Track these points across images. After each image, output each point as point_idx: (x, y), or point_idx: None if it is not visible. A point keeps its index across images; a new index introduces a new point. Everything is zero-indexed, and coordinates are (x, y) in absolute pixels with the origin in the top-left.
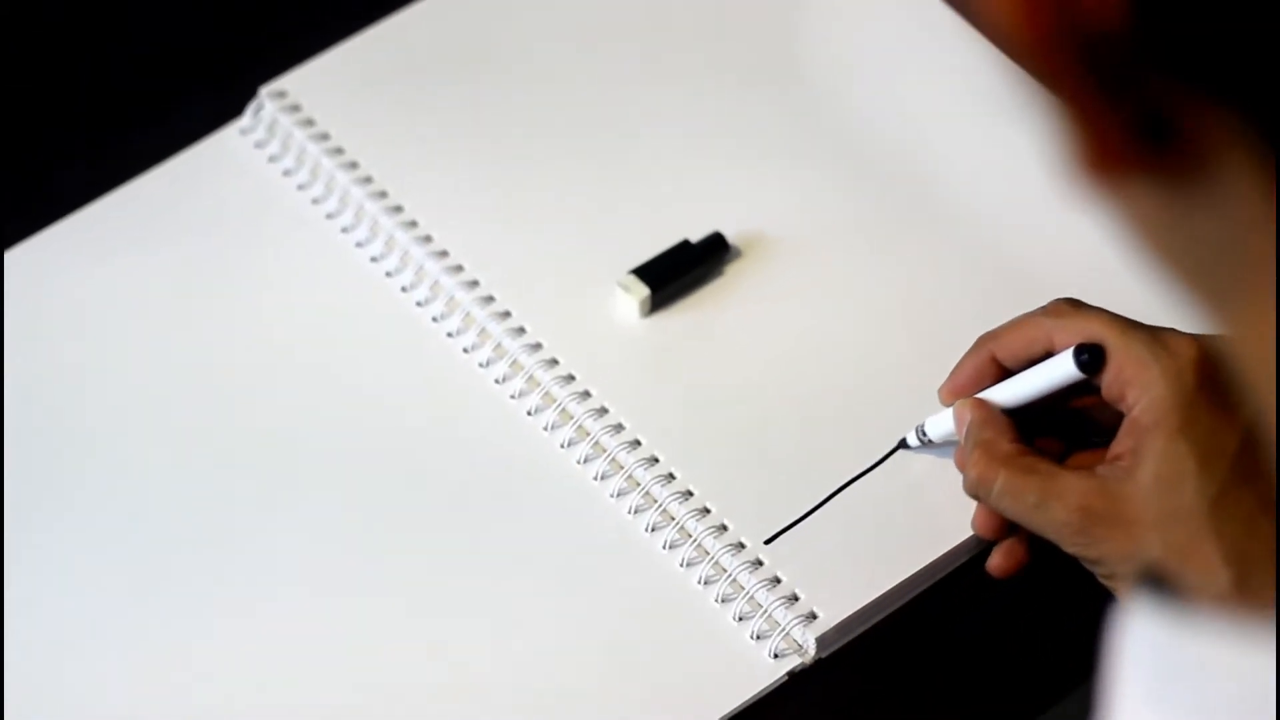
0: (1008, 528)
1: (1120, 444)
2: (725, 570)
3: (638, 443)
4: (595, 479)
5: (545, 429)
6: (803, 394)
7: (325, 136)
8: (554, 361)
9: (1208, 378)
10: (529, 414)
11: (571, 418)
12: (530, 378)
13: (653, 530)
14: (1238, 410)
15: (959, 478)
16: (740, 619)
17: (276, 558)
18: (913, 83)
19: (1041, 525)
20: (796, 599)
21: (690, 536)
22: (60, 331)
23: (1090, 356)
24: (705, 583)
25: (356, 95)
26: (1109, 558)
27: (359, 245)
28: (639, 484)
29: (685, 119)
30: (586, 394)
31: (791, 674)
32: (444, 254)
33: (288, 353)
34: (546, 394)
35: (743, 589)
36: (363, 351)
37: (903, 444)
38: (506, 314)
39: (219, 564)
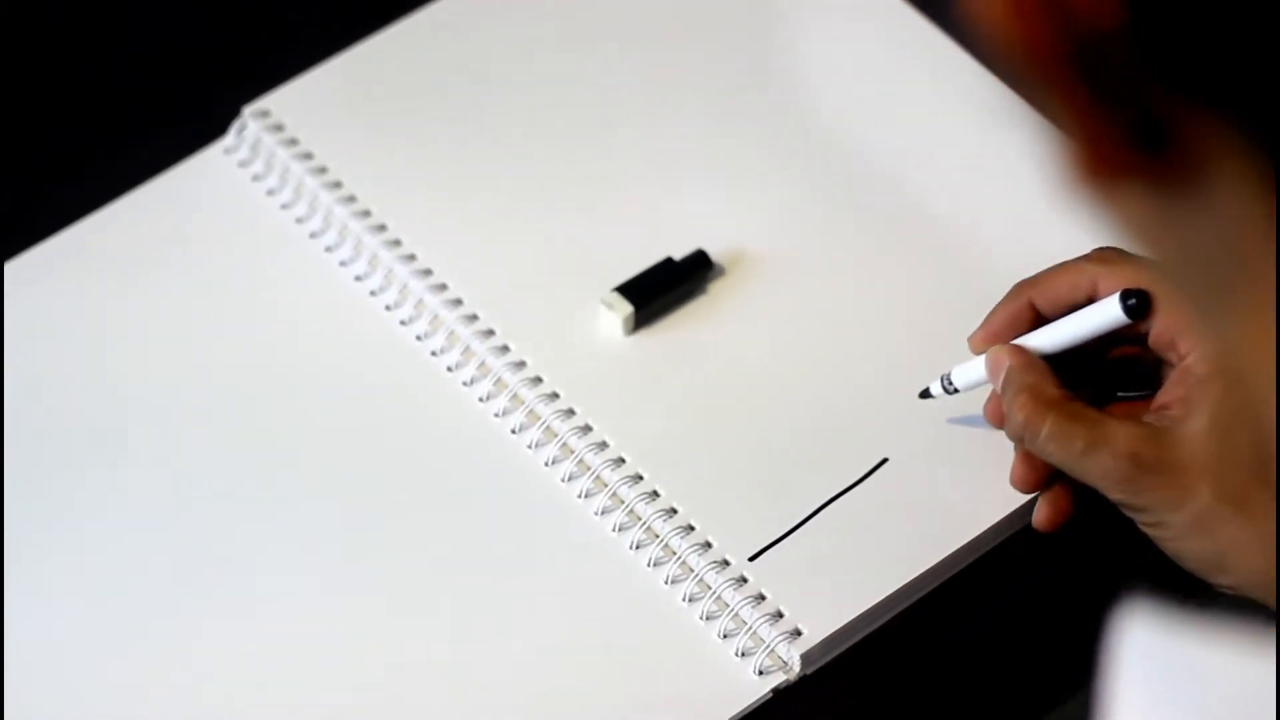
0: (1045, 481)
1: (1169, 392)
2: (709, 587)
3: (622, 460)
4: (580, 497)
5: (529, 447)
6: (786, 410)
7: (309, 156)
8: (538, 379)
9: None
10: (513, 432)
11: (555, 435)
12: (514, 396)
13: (637, 547)
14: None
15: (943, 491)
16: (725, 636)
17: (268, 565)
18: (895, 97)
19: (1087, 471)
20: (781, 616)
21: (674, 553)
22: (56, 344)
23: (1138, 301)
24: (689, 600)
25: (340, 115)
26: (1156, 505)
27: (343, 264)
28: (623, 501)
29: (668, 136)
30: (570, 411)
31: (776, 691)
32: (428, 272)
33: (274, 371)
34: (530, 412)
35: (727, 606)
36: (347, 370)
37: (925, 394)
38: (490, 332)
39: (212, 569)
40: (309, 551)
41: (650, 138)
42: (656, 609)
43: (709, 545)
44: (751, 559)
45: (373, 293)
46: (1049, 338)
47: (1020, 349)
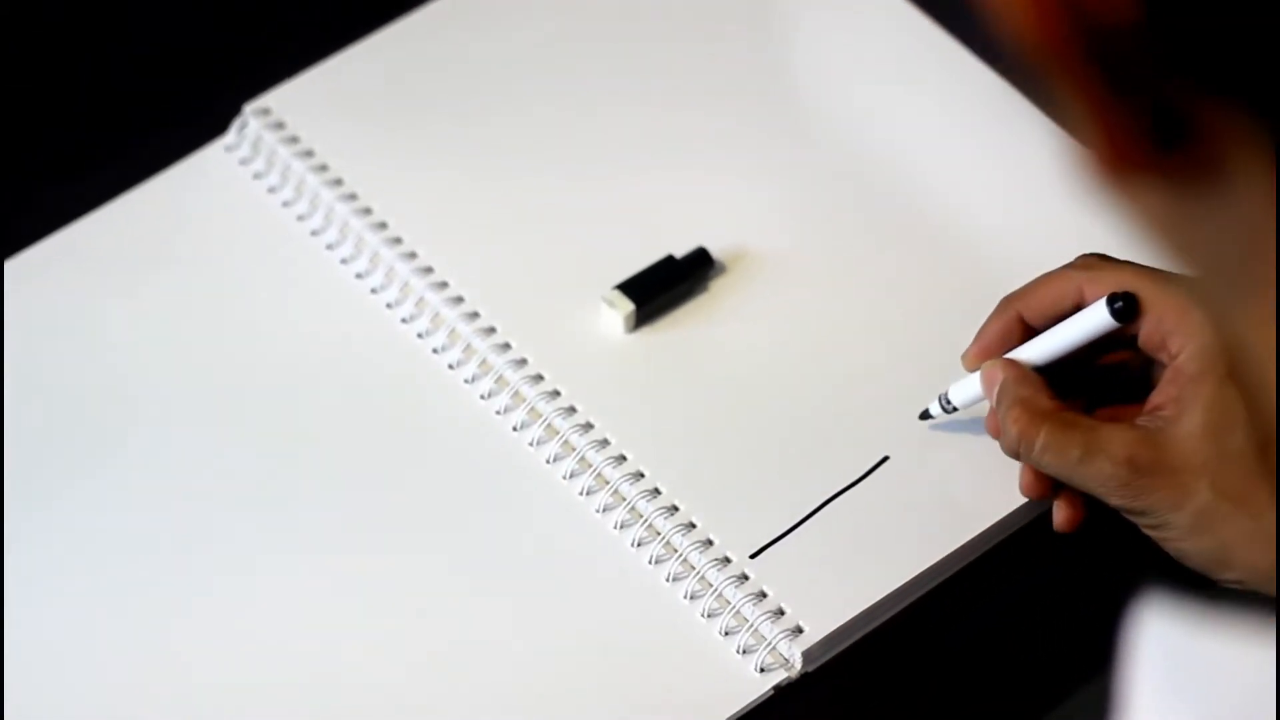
0: (1055, 485)
1: (1162, 393)
2: (711, 584)
3: (623, 458)
4: (581, 494)
5: (530, 444)
6: (788, 408)
7: (310, 153)
8: (539, 377)
9: None
10: (514, 430)
11: (557, 433)
12: (515, 393)
13: (638, 545)
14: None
15: (945, 489)
16: (726, 633)
17: (268, 564)
18: (897, 96)
19: (1086, 479)
20: (783, 613)
21: (676, 551)
22: (56, 342)
23: (1125, 304)
24: (691, 597)
25: (341, 112)
26: (1157, 507)
27: (344, 262)
28: (624, 499)
29: (670, 134)
30: (571, 409)
31: (778, 688)
32: (429, 270)
33: (275, 369)
34: (532, 409)
35: (729, 603)
36: (348, 368)
37: (925, 415)
38: (491, 329)
39: (213, 565)
40: (309, 549)
41: (652, 135)
42: (657, 606)
43: (710, 542)
44: (753, 556)
45: (374, 290)
46: (1040, 349)
47: (1013, 363)
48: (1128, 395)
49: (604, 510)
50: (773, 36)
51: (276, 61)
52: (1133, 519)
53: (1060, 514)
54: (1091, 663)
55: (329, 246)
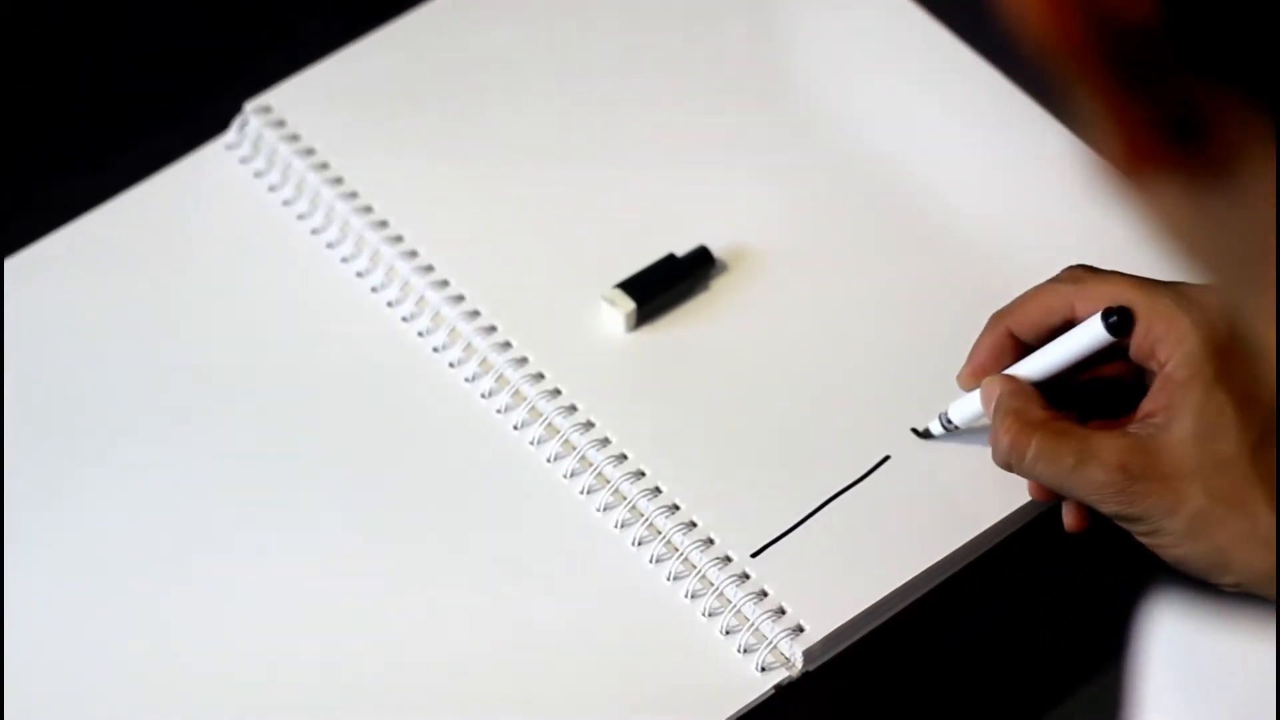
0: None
1: (1153, 400)
2: (712, 584)
3: (624, 457)
4: (582, 493)
5: (531, 443)
6: (789, 407)
7: (310, 152)
8: (539, 376)
9: None
10: (515, 429)
11: (558, 432)
12: (516, 392)
13: (639, 544)
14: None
15: (946, 489)
16: (727, 632)
17: (267, 563)
18: (900, 95)
19: (1079, 487)
20: (784, 612)
21: (677, 550)
22: (56, 340)
23: (1120, 318)
24: (692, 596)
25: (341, 110)
26: (1151, 513)
27: (344, 260)
28: (625, 498)
29: (672, 132)
30: (572, 408)
31: (779, 687)
32: (429, 269)
33: (275, 367)
34: (532, 409)
35: (729, 602)
36: (349, 366)
37: (925, 434)
38: (492, 329)
39: (212, 565)
40: (308, 549)
41: (653, 133)
42: (658, 605)
43: (711, 542)
44: (754, 555)
45: (374, 289)
46: (1037, 365)
47: (1010, 377)
48: (1121, 405)
49: (604, 509)
50: (775, 34)
51: (277, 60)
52: (1127, 526)
53: (1069, 516)
54: (1092, 662)
55: (329, 245)
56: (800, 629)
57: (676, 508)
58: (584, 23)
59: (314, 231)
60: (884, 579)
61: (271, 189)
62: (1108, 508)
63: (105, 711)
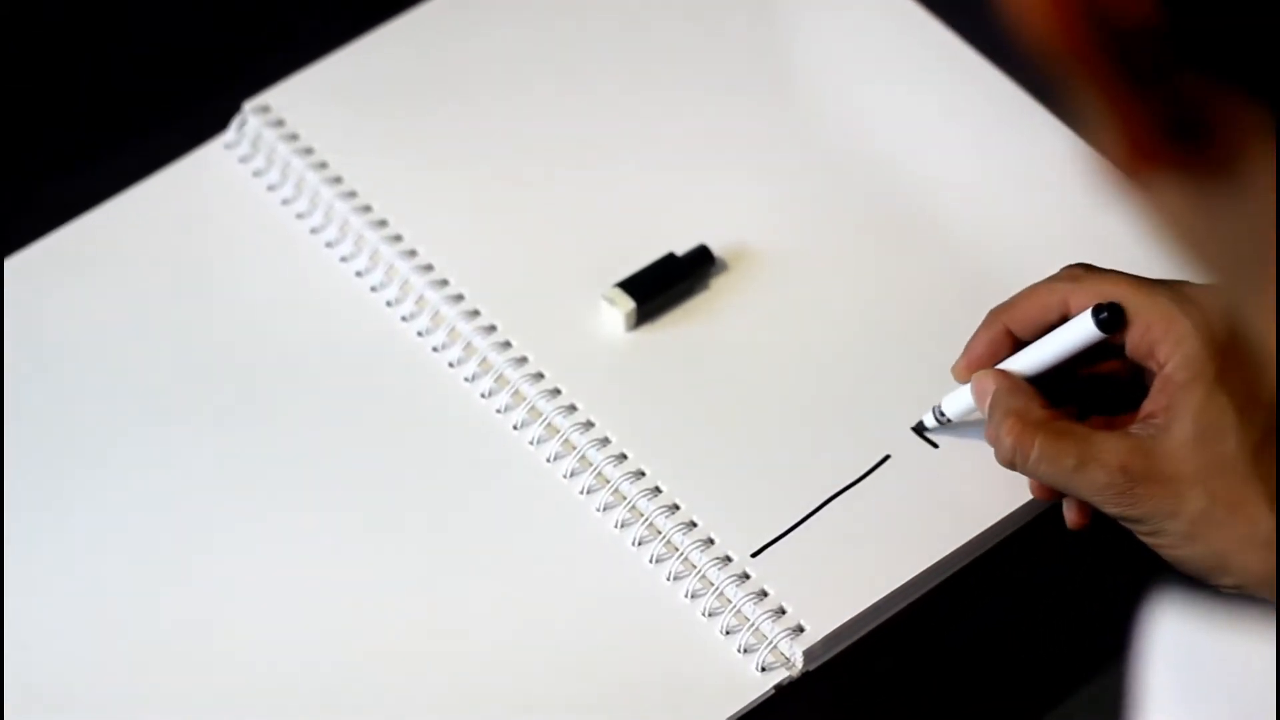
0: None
1: (1153, 401)
2: (712, 583)
3: (624, 456)
4: (581, 493)
5: (531, 443)
6: (789, 406)
7: (309, 151)
8: (539, 375)
9: None
10: (514, 428)
11: (557, 432)
12: (516, 392)
13: (639, 544)
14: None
15: (946, 488)
16: (727, 632)
17: (266, 563)
18: (900, 94)
19: (1081, 488)
20: (784, 612)
21: (677, 550)
22: (56, 339)
23: (1110, 315)
24: (692, 596)
25: (340, 110)
26: (1152, 515)
27: (344, 260)
28: (625, 498)
29: (672, 131)
30: (572, 408)
31: (779, 687)
32: (429, 268)
33: (274, 366)
34: (532, 408)
35: (730, 602)
36: (348, 366)
37: (919, 427)
38: (491, 328)
39: (211, 565)
40: (306, 548)
41: (653, 132)
42: (658, 605)
43: (711, 541)
44: (754, 555)
45: (374, 288)
46: (1029, 360)
47: (1003, 373)
48: (1121, 402)
49: (604, 509)
50: (775, 33)
51: (276, 59)
52: (1129, 526)
53: (1071, 512)
54: (1093, 662)
55: (329, 244)
56: (800, 629)
57: (676, 507)
58: (583, 22)
59: (313, 230)
60: (884, 579)
61: (270, 188)
62: (1109, 508)
63: (104, 708)
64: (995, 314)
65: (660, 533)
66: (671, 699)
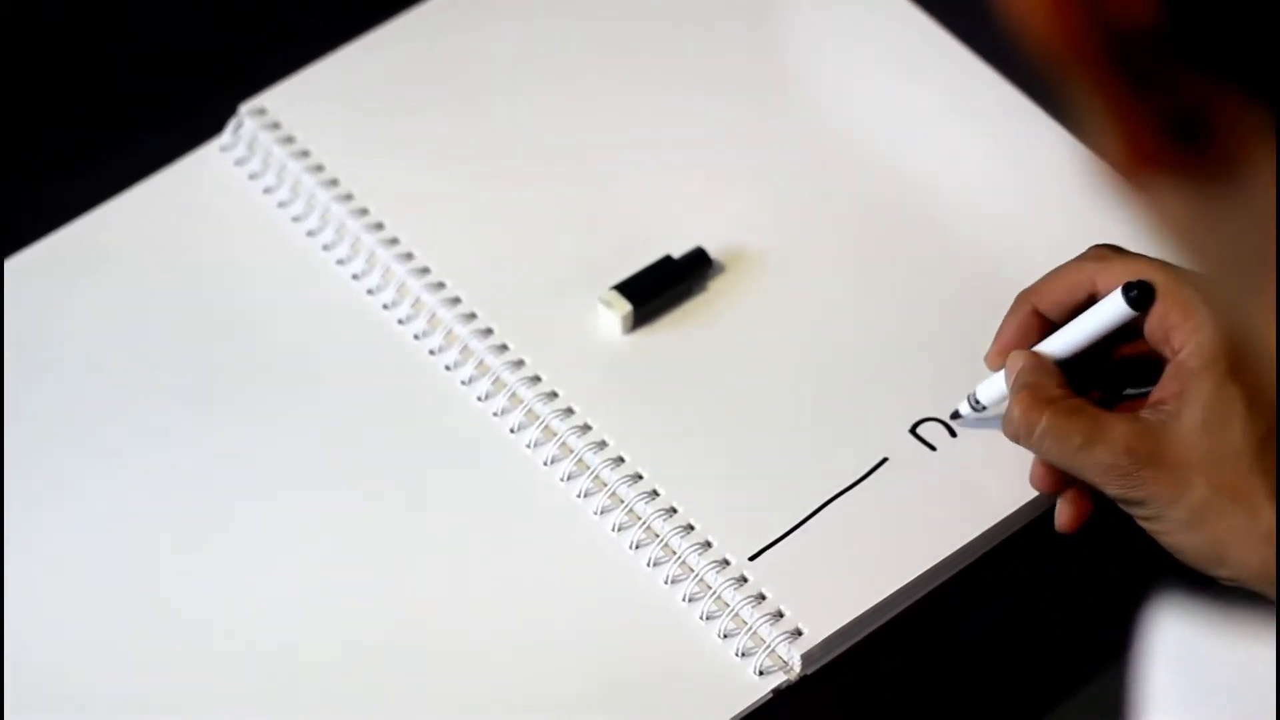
0: (1065, 480)
1: (1165, 388)
2: (709, 587)
3: (621, 459)
4: (579, 496)
5: (528, 446)
6: (786, 409)
7: (305, 154)
8: (536, 378)
9: None
10: (511, 431)
11: (554, 434)
12: (513, 395)
13: (636, 547)
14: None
15: (944, 490)
16: (725, 636)
17: (263, 564)
18: (897, 95)
19: (1085, 468)
20: (781, 615)
21: (674, 553)
22: (55, 339)
23: (1140, 292)
24: (689, 600)
25: (336, 112)
26: (1154, 499)
27: (340, 263)
28: (622, 501)
29: (668, 133)
30: (569, 411)
31: (777, 691)
32: (425, 271)
33: (271, 369)
34: (529, 411)
35: (727, 606)
36: (344, 369)
37: (955, 415)
38: (488, 331)
39: (209, 566)
40: (304, 552)
41: (650, 134)
42: (656, 609)
43: (709, 544)
44: (752, 558)
45: (370, 291)
46: (1061, 342)
47: (1033, 353)
48: (1141, 386)
49: (602, 512)
50: (772, 35)
51: (272, 61)
52: (1129, 510)
53: (1063, 514)
54: (1092, 665)
55: (325, 247)
56: (799, 632)
57: (674, 510)
58: (580, 23)
59: (310, 233)
60: (882, 581)
61: (267, 191)
62: (1111, 490)
63: (104, 706)
64: (1023, 296)
65: (658, 536)
66: (669, 702)
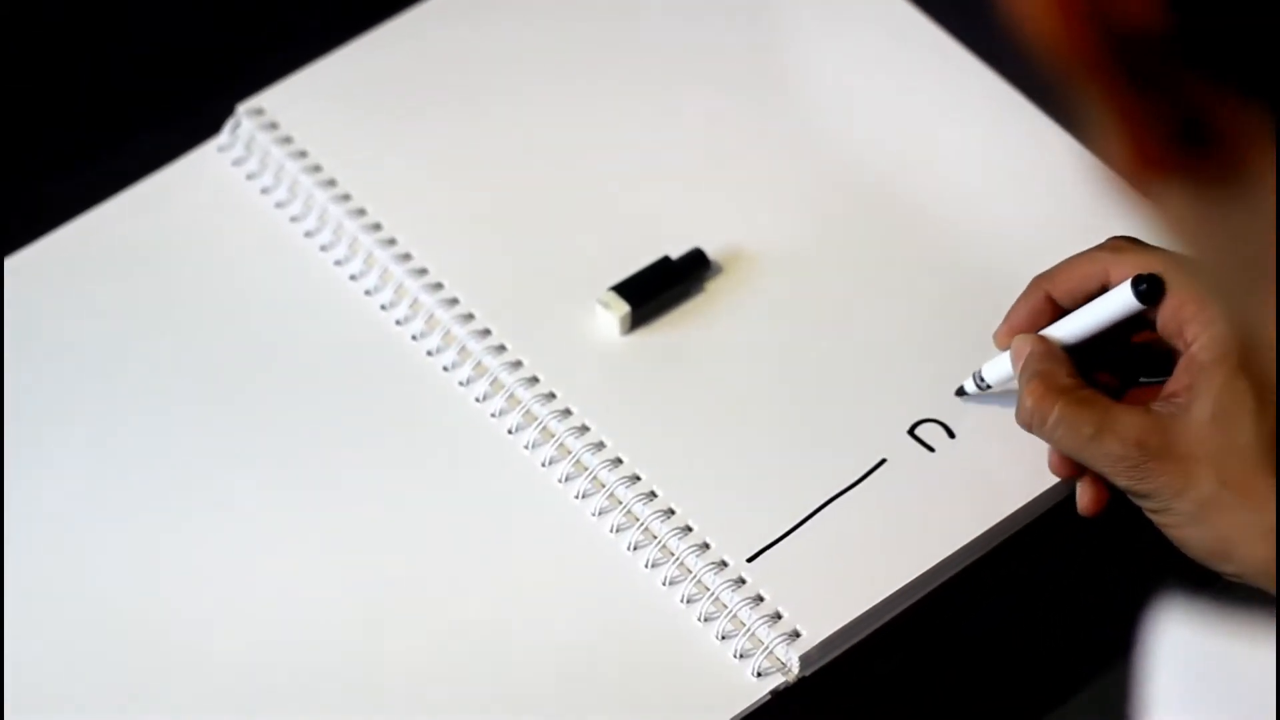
0: (1082, 465)
1: (1177, 380)
2: (707, 589)
3: (619, 460)
4: (577, 498)
5: (526, 447)
6: (785, 410)
7: (303, 154)
8: (534, 379)
9: None
10: (509, 432)
11: (552, 435)
12: (510, 396)
13: (635, 549)
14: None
15: (943, 491)
16: (723, 638)
17: (262, 565)
18: (895, 97)
19: (1095, 458)
20: (779, 617)
21: (672, 555)
22: (54, 338)
23: (1149, 286)
24: (687, 601)
25: (334, 112)
26: (1161, 492)
27: (338, 264)
28: (620, 502)
29: (666, 134)
30: (567, 412)
31: (775, 693)
32: (423, 271)
33: (269, 369)
34: (527, 412)
35: (725, 607)
36: (342, 369)
37: (960, 392)
38: (486, 331)
39: (208, 566)
40: (302, 552)
41: (648, 136)
42: (654, 610)
43: (707, 546)
44: (750, 560)
45: (368, 292)
46: (1068, 329)
47: (1040, 338)
48: (1154, 376)
49: (600, 513)
50: (771, 36)
51: (270, 62)
52: (1137, 501)
53: (1084, 497)
54: (1092, 666)
55: (323, 248)
56: (797, 634)
57: (672, 512)
58: (576, 25)
59: (307, 234)
60: (881, 583)
61: (264, 191)
62: (1120, 481)
63: (104, 704)
64: (1037, 281)
65: (656, 537)
66: (667, 704)
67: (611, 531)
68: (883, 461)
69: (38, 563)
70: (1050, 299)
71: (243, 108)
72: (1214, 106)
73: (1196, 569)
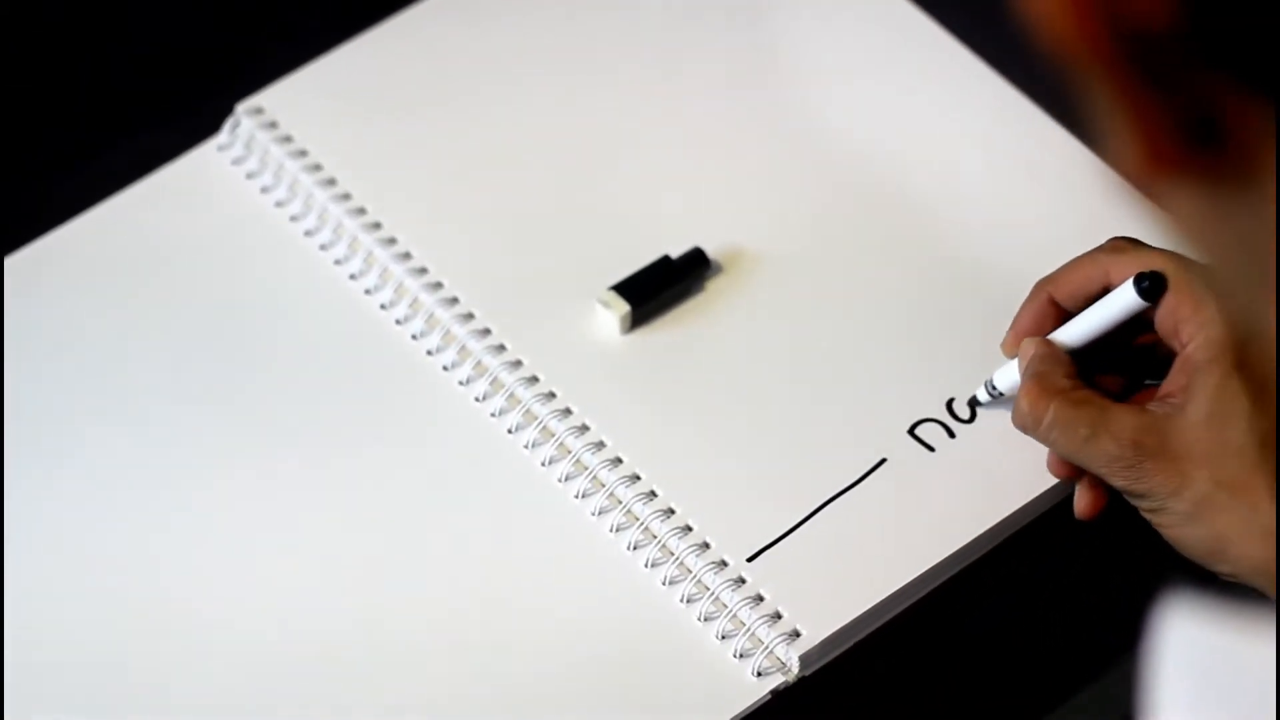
0: (1081, 468)
1: (1173, 381)
2: (707, 588)
3: (619, 460)
4: (576, 497)
5: (526, 447)
6: (785, 410)
7: (303, 153)
8: (534, 379)
9: None
10: (509, 431)
11: (552, 435)
12: (510, 395)
13: (634, 548)
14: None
15: (943, 491)
16: (723, 637)
17: (261, 566)
18: (896, 96)
19: (1091, 458)
20: (779, 617)
21: (672, 554)
22: (54, 337)
23: (1151, 283)
24: (687, 601)
25: (333, 112)
26: (1157, 492)
27: (337, 263)
28: (620, 501)
29: (666, 134)
30: (567, 411)
31: (775, 692)
32: (423, 270)
33: (268, 368)
34: (527, 411)
35: (725, 607)
36: (341, 368)
37: (973, 401)
38: (486, 331)
39: (207, 567)
40: (302, 551)
41: (648, 135)
42: (654, 610)
43: (707, 545)
44: (750, 559)
45: (368, 291)
46: (1073, 332)
47: (1045, 341)
48: (1157, 377)
49: (600, 513)
50: (771, 35)
51: (269, 61)
52: (1133, 501)
53: (1082, 501)
54: (1094, 664)
55: (323, 247)
56: (797, 633)
57: (672, 511)
58: (577, 23)
59: (307, 234)
60: (881, 583)
61: (264, 190)
62: (1115, 481)
63: (103, 703)
64: (1040, 285)
65: (656, 537)
66: (667, 704)
67: (611, 531)
68: (883, 461)
69: (38, 562)
70: (1054, 302)
71: (242, 107)
72: (1225, 105)
73: (1197, 568)
